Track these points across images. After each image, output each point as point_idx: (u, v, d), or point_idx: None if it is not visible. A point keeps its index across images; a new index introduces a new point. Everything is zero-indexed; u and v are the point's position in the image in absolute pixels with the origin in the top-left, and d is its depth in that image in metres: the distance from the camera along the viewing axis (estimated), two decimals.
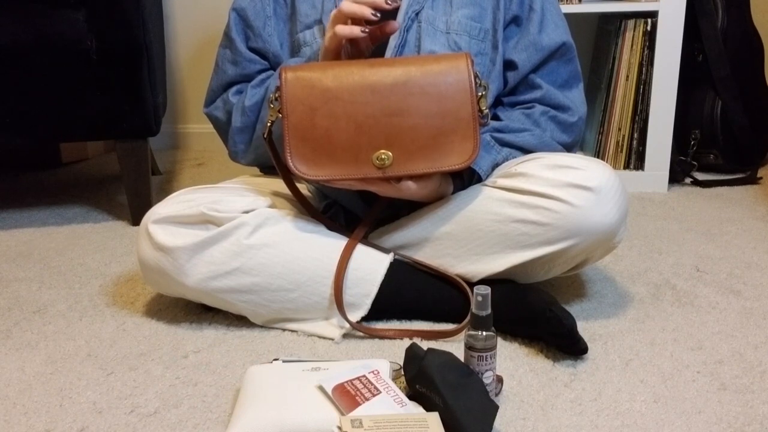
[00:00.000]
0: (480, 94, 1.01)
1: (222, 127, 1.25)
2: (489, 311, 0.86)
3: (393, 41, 1.14)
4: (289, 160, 1.01)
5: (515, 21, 1.19)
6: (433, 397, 0.82)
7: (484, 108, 1.02)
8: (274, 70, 1.20)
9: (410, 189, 1.03)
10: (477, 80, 1.02)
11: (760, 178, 1.89)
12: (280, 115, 1.01)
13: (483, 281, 1.08)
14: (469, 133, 1.01)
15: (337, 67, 1.02)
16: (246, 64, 1.21)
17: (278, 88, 1.02)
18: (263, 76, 1.20)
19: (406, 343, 1.03)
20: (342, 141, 1.00)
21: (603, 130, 1.82)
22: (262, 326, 1.11)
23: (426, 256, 1.11)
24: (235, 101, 1.20)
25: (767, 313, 1.14)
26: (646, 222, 1.59)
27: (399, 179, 1.02)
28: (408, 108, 1.00)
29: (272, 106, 1.02)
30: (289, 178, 1.11)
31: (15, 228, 1.65)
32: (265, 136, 1.05)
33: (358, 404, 0.82)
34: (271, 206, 1.12)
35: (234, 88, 1.22)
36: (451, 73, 1.01)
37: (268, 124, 1.04)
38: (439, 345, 1.04)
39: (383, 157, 1.00)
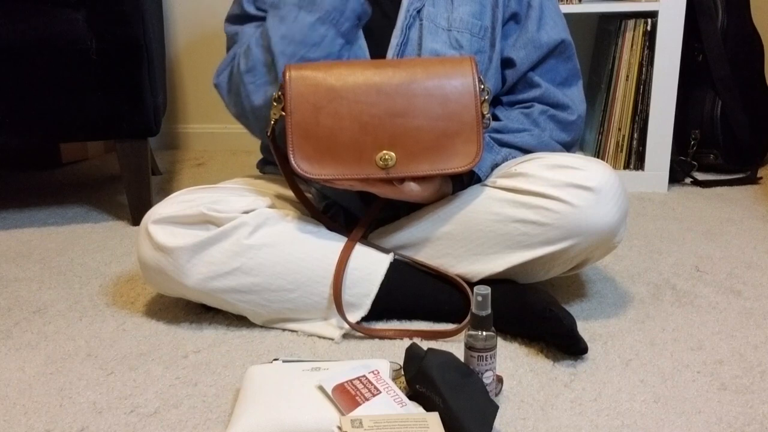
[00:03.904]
0: (483, 98, 1.02)
1: (230, 89, 1.14)
2: (489, 311, 0.86)
3: (394, 40, 1.14)
4: (292, 159, 1.01)
5: (514, 18, 1.19)
6: (433, 397, 0.82)
7: (485, 112, 1.02)
8: None
9: (412, 190, 1.03)
10: (481, 84, 1.02)
11: (760, 178, 1.89)
12: (284, 113, 1.01)
13: (483, 281, 1.08)
14: (473, 137, 1.01)
15: (342, 66, 1.03)
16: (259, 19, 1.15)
17: (282, 86, 1.02)
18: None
19: (406, 343, 1.02)
20: (345, 140, 1.00)
21: (603, 130, 1.82)
22: (262, 326, 1.11)
23: (426, 256, 1.11)
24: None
25: (767, 313, 1.14)
26: (646, 222, 1.59)
27: (402, 180, 1.02)
28: (412, 109, 1.01)
29: (275, 104, 1.02)
30: (292, 177, 1.11)
31: (15, 228, 1.65)
32: (269, 134, 1.05)
33: (358, 404, 0.82)
34: (271, 206, 1.12)
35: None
36: (456, 76, 1.02)
37: (272, 123, 1.04)
38: (439, 345, 1.04)
39: (386, 157, 1.00)
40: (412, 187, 1.03)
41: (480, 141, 1.01)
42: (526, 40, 1.18)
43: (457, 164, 1.02)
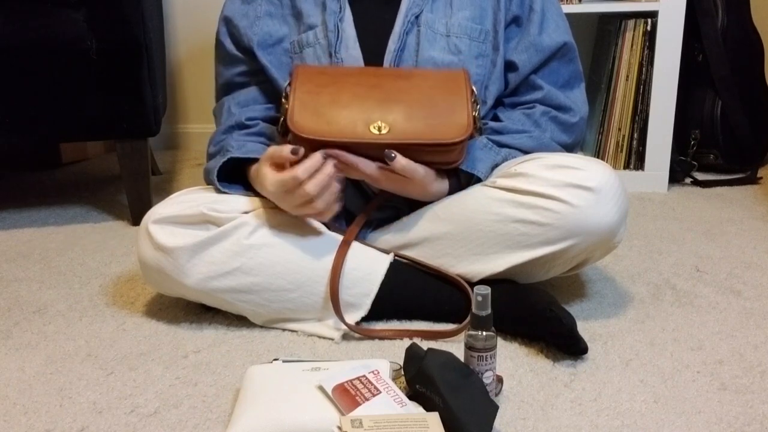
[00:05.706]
0: (476, 110, 1.06)
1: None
2: (489, 311, 0.86)
3: (392, 45, 1.14)
4: (290, 118, 1.04)
5: (516, 21, 1.19)
6: (433, 397, 0.82)
7: (478, 123, 1.06)
8: (259, 69, 1.21)
9: (404, 168, 1.02)
10: (473, 96, 1.06)
11: (760, 178, 1.89)
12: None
13: (483, 281, 1.08)
14: (463, 112, 1.05)
15: (345, 68, 1.12)
16: (235, 62, 1.24)
17: (290, 81, 1.07)
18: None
19: (406, 343, 1.02)
20: (343, 111, 1.05)
21: (603, 130, 1.82)
22: (262, 326, 1.11)
23: (426, 256, 1.11)
24: (236, 112, 1.21)
25: (767, 313, 1.14)
26: (646, 222, 1.59)
27: (393, 159, 1.03)
28: (408, 98, 1.06)
29: (285, 100, 1.06)
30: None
31: (15, 228, 1.65)
32: (279, 129, 1.08)
33: (358, 404, 0.82)
34: (271, 206, 1.12)
35: (234, 99, 1.24)
36: (450, 88, 1.07)
37: (281, 117, 1.07)
38: (439, 345, 1.04)
39: (380, 125, 1.03)
40: (404, 164, 1.02)
41: (470, 116, 1.05)
42: (527, 43, 1.18)
43: (448, 136, 1.03)
